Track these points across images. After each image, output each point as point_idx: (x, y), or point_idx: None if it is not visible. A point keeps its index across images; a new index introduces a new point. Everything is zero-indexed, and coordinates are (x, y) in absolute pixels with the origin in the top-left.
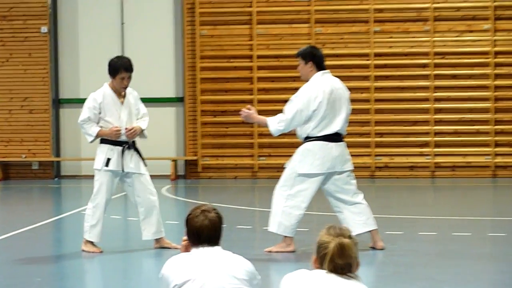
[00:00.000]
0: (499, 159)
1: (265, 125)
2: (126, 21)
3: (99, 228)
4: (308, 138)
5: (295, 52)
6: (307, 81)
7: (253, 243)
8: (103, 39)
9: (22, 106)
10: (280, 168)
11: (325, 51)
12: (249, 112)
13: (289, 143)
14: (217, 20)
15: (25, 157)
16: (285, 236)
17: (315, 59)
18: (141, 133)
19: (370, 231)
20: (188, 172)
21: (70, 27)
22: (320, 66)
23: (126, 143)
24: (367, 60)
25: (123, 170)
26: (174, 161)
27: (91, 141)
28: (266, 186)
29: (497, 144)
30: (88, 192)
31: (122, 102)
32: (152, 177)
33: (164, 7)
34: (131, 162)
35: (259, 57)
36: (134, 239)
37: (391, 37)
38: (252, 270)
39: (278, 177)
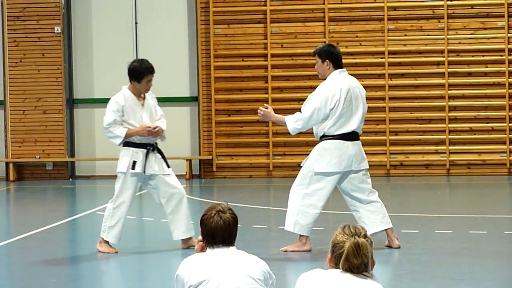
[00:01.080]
0: None
1: (283, 124)
2: (139, 20)
3: (118, 229)
4: (324, 137)
5: (309, 50)
6: (324, 79)
7: (268, 242)
8: (116, 38)
9: (36, 107)
10: (296, 167)
11: (340, 50)
12: (266, 111)
13: (304, 141)
14: (231, 19)
15: (39, 157)
16: (301, 235)
17: (332, 57)
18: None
19: (385, 229)
20: (203, 172)
21: (84, 27)
22: (337, 65)
23: (151, 145)
24: (382, 58)
25: (144, 172)
26: (189, 160)
27: (120, 143)
28: (281, 185)
29: None
30: (102, 192)
31: (143, 105)
32: None
33: (178, 6)
34: (155, 164)
35: (273, 55)
36: (149, 240)
37: (405, 35)
38: (267, 270)
39: (293, 176)
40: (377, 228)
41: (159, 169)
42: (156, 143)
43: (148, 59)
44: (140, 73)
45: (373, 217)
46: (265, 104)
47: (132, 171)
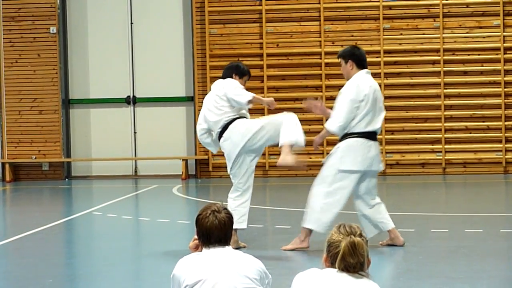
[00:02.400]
0: (510, 155)
1: (326, 133)
2: (135, 20)
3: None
4: (348, 135)
5: (305, 50)
6: (347, 80)
7: (264, 242)
8: (112, 38)
9: (32, 107)
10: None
11: (335, 49)
12: (317, 105)
13: None
14: (226, 19)
15: (35, 158)
16: (308, 231)
17: (354, 57)
18: None
19: (389, 229)
20: (199, 171)
21: (79, 27)
22: (361, 65)
23: None
24: (377, 57)
25: None
26: (185, 160)
27: (249, 100)
28: (277, 184)
29: (508, 140)
30: (98, 193)
31: None
32: (163, 176)
33: (173, 6)
34: None
35: (268, 55)
36: (146, 240)
37: (401, 34)
38: (263, 269)
39: (289, 176)
40: (383, 228)
41: None
42: None
43: (142, 59)
44: (244, 71)
45: (378, 217)
46: (317, 97)
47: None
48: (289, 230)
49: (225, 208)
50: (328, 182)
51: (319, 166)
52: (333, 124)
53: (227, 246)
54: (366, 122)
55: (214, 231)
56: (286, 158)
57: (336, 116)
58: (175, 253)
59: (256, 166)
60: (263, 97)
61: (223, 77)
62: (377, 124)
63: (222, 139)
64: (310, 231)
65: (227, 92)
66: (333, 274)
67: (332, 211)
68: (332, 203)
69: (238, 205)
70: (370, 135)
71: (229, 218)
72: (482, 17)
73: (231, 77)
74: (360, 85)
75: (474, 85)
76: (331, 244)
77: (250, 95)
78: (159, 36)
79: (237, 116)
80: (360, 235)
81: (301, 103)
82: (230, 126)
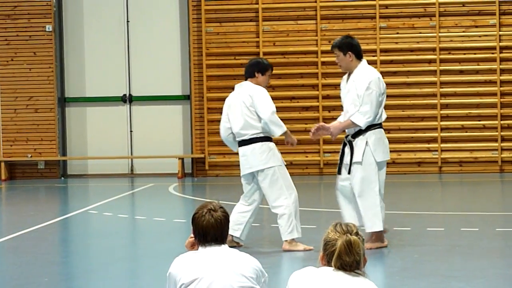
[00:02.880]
0: (506, 154)
1: (352, 127)
2: (131, 19)
3: (298, 222)
4: (372, 126)
5: (301, 48)
6: (345, 72)
7: (261, 240)
8: (108, 37)
9: (28, 106)
10: (287, 165)
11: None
12: (331, 129)
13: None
14: (223, 17)
15: (31, 156)
16: (382, 233)
17: (353, 48)
18: None
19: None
20: (195, 170)
21: (75, 25)
22: (360, 55)
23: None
24: (374, 56)
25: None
26: (181, 159)
27: (282, 134)
28: None
29: (503, 139)
30: (94, 191)
31: None
32: (160, 175)
33: (170, 4)
34: None
35: (265, 54)
36: (142, 238)
37: (397, 33)
38: (260, 268)
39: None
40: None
41: None
42: None
43: (139, 58)
44: (266, 66)
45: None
46: (318, 124)
47: (284, 163)
48: None
49: (222, 207)
50: (376, 180)
51: (316, 164)
52: (362, 120)
53: (223, 245)
54: (382, 112)
55: (210, 229)
56: (288, 248)
57: (366, 111)
58: (171, 251)
59: None
60: None
61: (246, 76)
62: (385, 114)
63: (241, 149)
64: (381, 231)
65: (254, 101)
66: (329, 273)
67: (382, 204)
68: (381, 198)
69: (239, 212)
70: (382, 125)
71: (225, 216)
72: (478, 16)
73: (254, 76)
74: (380, 78)
75: (470, 84)
76: (328, 243)
77: (272, 108)
78: (155, 35)
79: (264, 135)
80: (357, 234)
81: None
82: (255, 145)
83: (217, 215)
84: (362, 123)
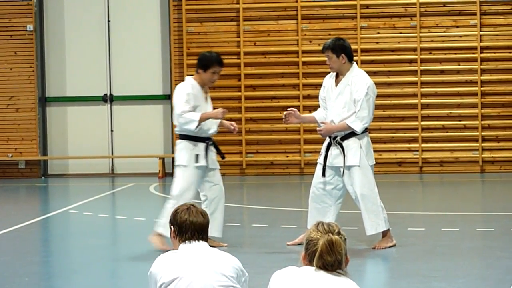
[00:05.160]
0: (486, 154)
1: (347, 130)
2: (112, 18)
3: None
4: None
5: (282, 48)
6: (337, 73)
7: (242, 240)
8: (89, 37)
9: (8, 105)
10: (268, 165)
11: (312, 48)
12: (325, 127)
13: (276, 139)
14: (204, 17)
15: (12, 156)
16: (387, 232)
17: (347, 50)
18: None
19: None
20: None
21: (56, 25)
22: (352, 58)
23: (209, 139)
24: (354, 56)
25: (207, 166)
26: (162, 158)
27: (196, 127)
28: (255, 183)
29: (484, 139)
30: (75, 191)
31: (206, 98)
32: (140, 175)
33: (150, 4)
34: (212, 157)
35: (246, 54)
36: (122, 239)
37: (378, 33)
38: (240, 267)
39: (266, 174)
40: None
41: (215, 163)
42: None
43: (120, 57)
44: (208, 61)
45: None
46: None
47: (196, 164)
48: (266, 229)
49: (197, 206)
50: (373, 181)
51: (297, 164)
52: (359, 125)
53: (202, 241)
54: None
55: (189, 225)
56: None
57: (363, 116)
58: (151, 251)
59: (233, 165)
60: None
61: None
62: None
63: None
64: (388, 230)
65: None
66: (311, 272)
67: (382, 205)
68: (379, 198)
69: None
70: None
71: (203, 214)
72: (459, 16)
73: (197, 72)
74: (372, 82)
75: (451, 84)
76: (309, 242)
77: (182, 108)
78: (136, 34)
79: (181, 132)
80: (338, 233)
81: (278, 102)
82: (177, 141)
83: (196, 211)
84: (359, 128)
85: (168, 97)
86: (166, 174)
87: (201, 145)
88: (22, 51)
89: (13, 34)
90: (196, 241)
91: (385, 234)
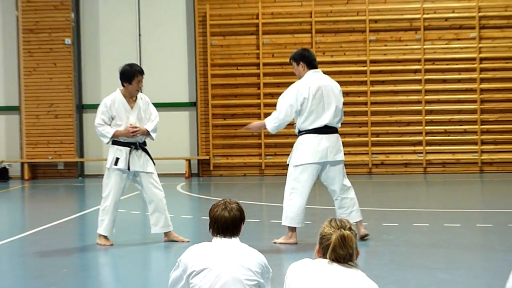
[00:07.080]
0: (485, 156)
1: (264, 127)
2: (142, 33)
3: (106, 222)
4: (300, 132)
5: None
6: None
7: (261, 235)
8: (122, 49)
9: (49, 112)
10: (285, 166)
11: (325, 59)
12: (249, 125)
13: (293, 142)
14: (226, 31)
15: (51, 158)
16: (289, 228)
17: (305, 59)
18: (147, 134)
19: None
20: (201, 171)
21: (92, 38)
22: (312, 65)
23: (134, 144)
24: (364, 66)
25: (129, 169)
26: (188, 160)
27: (107, 142)
28: (273, 182)
29: (483, 142)
30: None
31: (132, 107)
32: (168, 175)
33: (178, 20)
34: (139, 161)
35: (265, 64)
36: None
37: (385, 45)
38: (265, 264)
39: (283, 174)
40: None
41: (142, 166)
42: (144, 142)
43: (150, 68)
44: (131, 74)
45: (340, 212)
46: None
47: (114, 166)
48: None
49: (237, 203)
50: (291, 179)
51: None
52: (270, 123)
53: (234, 238)
54: (312, 120)
55: (223, 221)
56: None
57: (274, 117)
58: (178, 244)
59: (253, 166)
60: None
61: None
62: (325, 119)
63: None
64: (291, 227)
65: None
66: (325, 264)
67: (296, 205)
68: (295, 197)
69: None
70: (320, 130)
71: (239, 211)
72: (459, 30)
73: (123, 86)
74: (300, 89)
75: (452, 92)
76: (323, 237)
77: (98, 121)
78: (164, 47)
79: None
80: (350, 229)
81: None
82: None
83: (231, 208)
84: (269, 126)
85: (193, 104)
86: (192, 174)
87: (124, 149)
88: (61, 63)
89: (52, 47)
90: (228, 235)
91: (289, 230)
